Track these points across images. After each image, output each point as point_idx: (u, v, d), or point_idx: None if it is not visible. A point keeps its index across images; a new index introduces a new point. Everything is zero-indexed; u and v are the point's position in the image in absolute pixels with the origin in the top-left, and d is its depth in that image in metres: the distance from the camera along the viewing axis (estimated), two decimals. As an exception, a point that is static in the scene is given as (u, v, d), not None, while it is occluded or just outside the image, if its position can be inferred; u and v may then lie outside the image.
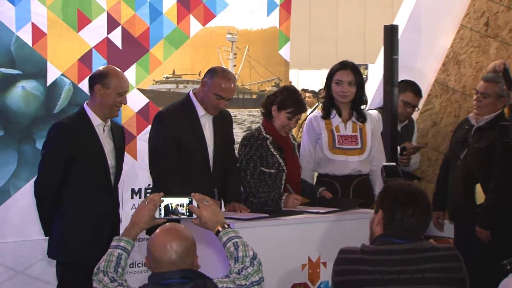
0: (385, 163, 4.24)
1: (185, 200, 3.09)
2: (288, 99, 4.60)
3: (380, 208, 2.97)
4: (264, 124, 4.70)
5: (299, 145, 4.98)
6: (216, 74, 4.44)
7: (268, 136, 4.63)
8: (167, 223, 2.97)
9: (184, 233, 2.86)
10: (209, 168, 4.54)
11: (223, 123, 4.67)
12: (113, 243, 3.05)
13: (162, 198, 3.09)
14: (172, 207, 3.09)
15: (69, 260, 4.32)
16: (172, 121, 4.46)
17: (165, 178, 4.37)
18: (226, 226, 3.05)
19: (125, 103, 4.46)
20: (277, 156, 4.62)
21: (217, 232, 3.04)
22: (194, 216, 3.08)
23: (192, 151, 4.47)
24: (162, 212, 3.09)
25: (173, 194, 3.15)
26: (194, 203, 3.08)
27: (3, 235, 4.96)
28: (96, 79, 4.34)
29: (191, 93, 4.57)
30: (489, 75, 5.15)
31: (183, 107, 4.53)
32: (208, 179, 4.50)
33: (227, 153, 4.69)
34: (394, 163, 4.30)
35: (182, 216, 3.10)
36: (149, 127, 4.79)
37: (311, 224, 4.15)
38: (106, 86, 4.30)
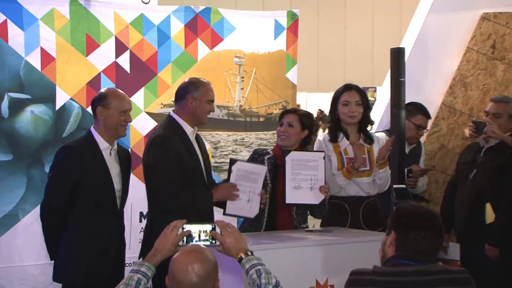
0: (395, 185, 4.22)
1: (208, 227, 3.06)
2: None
3: (393, 230, 2.96)
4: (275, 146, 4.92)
5: None
6: (198, 83, 4.53)
7: (270, 152, 4.82)
8: (189, 244, 2.96)
9: (206, 255, 2.83)
10: (205, 183, 4.55)
11: (202, 141, 4.72)
12: (134, 268, 3.02)
13: (184, 226, 3.07)
14: (194, 233, 3.07)
15: (74, 284, 4.30)
16: (171, 142, 4.43)
17: (181, 194, 4.35)
18: (249, 253, 3.02)
19: (130, 121, 4.44)
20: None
21: (240, 259, 3.01)
22: (217, 243, 3.06)
23: (191, 167, 4.47)
24: (185, 239, 3.06)
25: (195, 221, 3.10)
26: (217, 229, 3.06)
27: (11, 259, 4.97)
28: (97, 102, 4.35)
29: (173, 114, 4.54)
30: (498, 96, 5.20)
31: (173, 128, 4.50)
32: (209, 193, 4.48)
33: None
34: (404, 185, 4.29)
35: (205, 243, 3.06)
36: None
37: (319, 247, 4.14)
38: (107, 107, 4.31)
